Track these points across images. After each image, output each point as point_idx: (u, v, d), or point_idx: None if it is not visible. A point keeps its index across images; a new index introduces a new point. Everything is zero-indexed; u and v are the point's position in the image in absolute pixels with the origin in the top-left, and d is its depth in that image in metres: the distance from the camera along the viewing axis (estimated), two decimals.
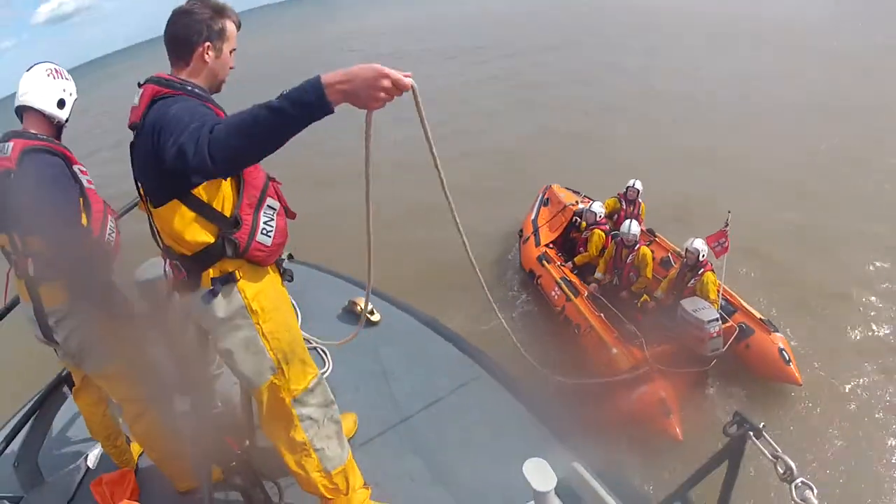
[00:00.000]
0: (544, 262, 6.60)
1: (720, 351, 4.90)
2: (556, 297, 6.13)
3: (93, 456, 2.51)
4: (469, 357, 2.78)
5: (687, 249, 5.39)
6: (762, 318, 5.34)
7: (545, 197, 7.77)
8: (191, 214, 1.52)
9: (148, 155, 1.42)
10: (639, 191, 6.72)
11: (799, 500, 1.12)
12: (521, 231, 7.57)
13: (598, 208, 6.58)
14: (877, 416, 4.88)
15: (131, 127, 1.52)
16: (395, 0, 61.72)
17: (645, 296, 5.81)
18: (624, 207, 6.82)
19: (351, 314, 3.22)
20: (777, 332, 5.19)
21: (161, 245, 1.66)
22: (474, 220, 7.31)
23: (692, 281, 5.39)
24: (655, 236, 6.65)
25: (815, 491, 1.12)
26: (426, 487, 2.16)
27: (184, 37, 1.52)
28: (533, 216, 7.55)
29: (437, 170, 1.64)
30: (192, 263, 1.60)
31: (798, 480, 1.13)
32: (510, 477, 1.61)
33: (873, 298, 6.22)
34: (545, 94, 16.02)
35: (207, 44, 1.53)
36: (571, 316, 5.78)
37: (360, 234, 1.80)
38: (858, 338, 5.74)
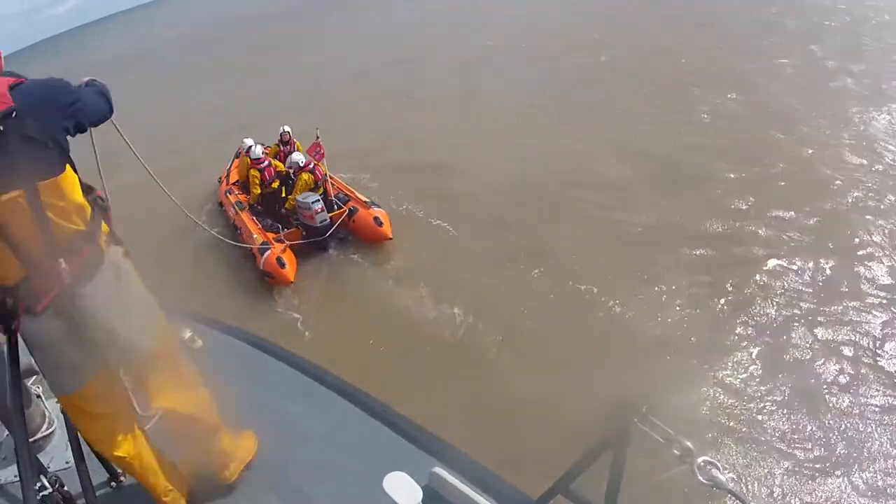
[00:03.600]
0: (227, 194, 8.46)
1: (327, 222, 7.15)
2: (231, 213, 8.03)
3: None
4: (304, 373, 2.66)
5: (289, 163, 7.69)
6: (366, 200, 7.70)
7: (238, 151, 9.58)
8: (75, 177, 1.54)
9: (40, 131, 1.44)
10: (289, 132, 8.86)
11: (705, 481, 1.01)
12: (220, 178, 9.35)
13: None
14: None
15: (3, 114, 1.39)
16: None
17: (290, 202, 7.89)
18: (282, 149, 8.89)
19: None
20: (377, 207, 7.56)
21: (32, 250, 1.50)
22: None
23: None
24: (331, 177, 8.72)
25: (721, 467, 1.02)
26: None
27: None
28: (228, 166, 9.36)
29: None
30: (85, 236, 1.56)
31: (699, 460, 1.02)
32: (375, 496, 1.52)
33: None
34: None
35: None
36: (237, 223, 7.75)
37: None
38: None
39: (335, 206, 7.61)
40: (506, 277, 6.58)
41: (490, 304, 6.16)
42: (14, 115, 1.39)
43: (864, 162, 8.26)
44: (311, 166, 7.81)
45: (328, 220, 7.18)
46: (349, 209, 7.56)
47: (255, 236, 7.14)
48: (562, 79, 13.75)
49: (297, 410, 2.45)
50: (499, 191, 8.46)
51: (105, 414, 1.78)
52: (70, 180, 1.52)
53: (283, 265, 6.66)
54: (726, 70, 12.51)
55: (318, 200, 7.10)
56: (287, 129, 8.90)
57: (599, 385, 4.82)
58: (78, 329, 1.60)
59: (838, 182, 7.78)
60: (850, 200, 7.35)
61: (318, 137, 7.60)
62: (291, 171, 7.96)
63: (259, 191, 8.04)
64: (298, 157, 7.95)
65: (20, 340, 1.60)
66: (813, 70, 11.96)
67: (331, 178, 8.08)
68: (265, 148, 8.77)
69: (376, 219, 7.35)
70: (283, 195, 8.06)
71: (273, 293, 6.82)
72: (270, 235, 7.14)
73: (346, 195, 7.86)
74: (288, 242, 7.08)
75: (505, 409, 4.73)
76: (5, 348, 1.60)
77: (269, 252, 6.77)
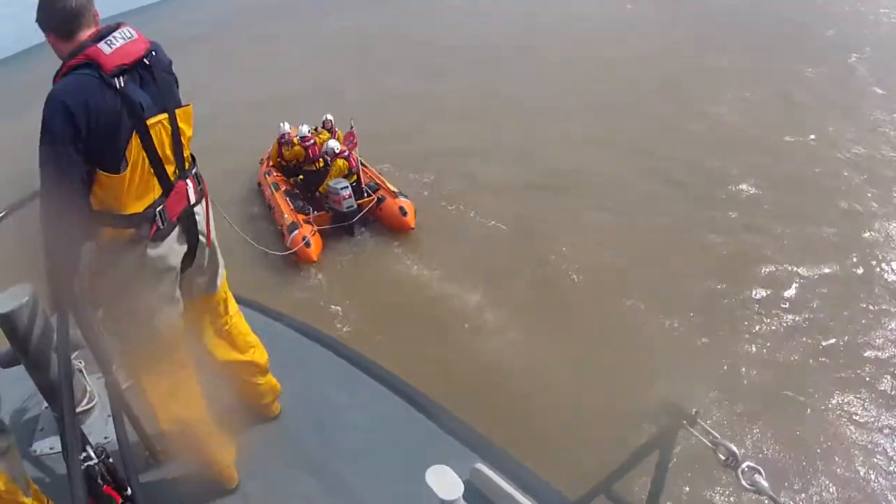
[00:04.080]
0: (266, 175, 8.92)
1: (354, 208, 7.48)
2: (268, 194, 8.49)
3: None
4: (349, 362, 2.68)
5: (325, 149, 7.99)
6: (394, 190, 7.98)
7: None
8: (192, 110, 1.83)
9: (171, 67, 1.78)
10: (331, 121, 9.24)
11: (748, 486, 1.01)
12: (261, 160, 9.85)
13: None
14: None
15: (144, 56, 1.64)
16: None
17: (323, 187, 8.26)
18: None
19: None
20: (404, 197, 7.84)
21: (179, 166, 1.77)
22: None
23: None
24: (365, 166, 9.08)
25: (764, 473, 1.03)
26: None
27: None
28: (270, 151, 9.86)
29: None
30: (194, 162, 1.87)
31: (744, 465, 1.02)
32: (413, 488, 1.55)
33: None
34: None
35: None
36: (272, 203, 8.17)
37: None
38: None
39: (365, 194, 7.91)
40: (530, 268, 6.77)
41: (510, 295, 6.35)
42: (153, 52, 1.69)
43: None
44: (346, 154, 8.18)
45: (354, 206, 7.51)
46: (378, 197, 7.86)
47: (285, 216, 7.54)
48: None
49: (340, 399, 2.47)
50: (521, 183, 8.64)
51: (175, 362, 1.93)
52: (190, 112, 1.81)
53: (308, 245, 7.02)
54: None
55: (347, 187, 7.44)
56: (329, 116, 9.28)
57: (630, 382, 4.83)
58: (192, 252, 1.87)
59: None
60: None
61: (352, 126, 7.94)
62: (328, 157, 8.34)
63: (294, 160, 8.54)
64: (334, 143, 8.31)
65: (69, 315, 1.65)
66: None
67: (365, 167, 8.42)
68: (313, 132, 9.25)
69: (401, 209, 7.62)
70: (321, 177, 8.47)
71: (300, 272, 7.21)
72: (301, 217, 7.52)
73: (378, 184, 8.16)
74: (316, 225, 7.45)
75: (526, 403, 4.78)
76: (54, 321, 1.60)
77: (297, 231, 7.15)
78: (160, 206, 1.72)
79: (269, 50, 25.14)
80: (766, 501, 1.03)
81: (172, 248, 1.79)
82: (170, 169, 1.74)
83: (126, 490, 1.47)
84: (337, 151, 8.15)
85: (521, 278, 6.64)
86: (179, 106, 1.76)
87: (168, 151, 1.72)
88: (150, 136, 1.65)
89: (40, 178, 1.57)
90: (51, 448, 2.27)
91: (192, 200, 1.82)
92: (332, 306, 6.68)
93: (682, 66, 13.45)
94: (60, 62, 1.61)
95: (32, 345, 1.75)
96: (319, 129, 9.45)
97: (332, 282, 7.18)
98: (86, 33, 1.60)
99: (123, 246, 1.70)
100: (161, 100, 1.68)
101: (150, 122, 1.64)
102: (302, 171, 8.93)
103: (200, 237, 1.88)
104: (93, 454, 1.45)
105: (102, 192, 1.62)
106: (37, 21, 1.63)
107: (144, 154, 1.64)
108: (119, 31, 1.62)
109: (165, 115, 1.69)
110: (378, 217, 7.84)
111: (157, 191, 1.72)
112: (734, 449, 1.06)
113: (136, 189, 1.66)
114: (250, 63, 22.39)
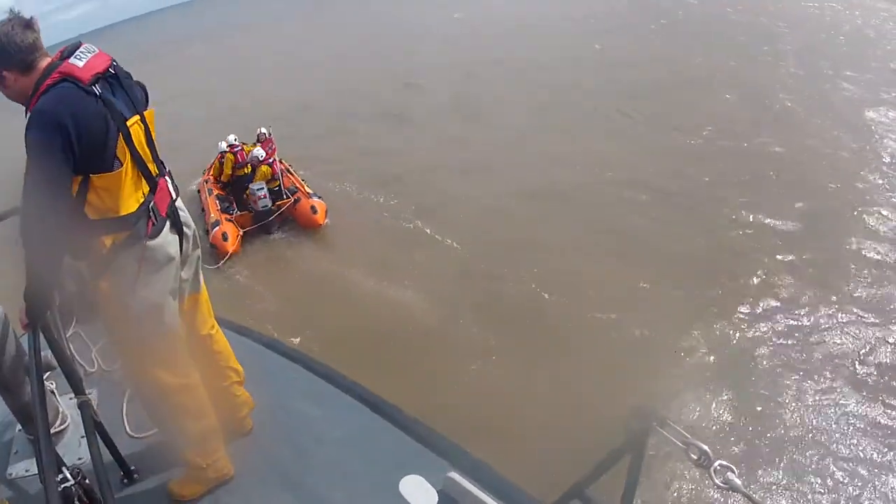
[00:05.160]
0: (205, 182, 10.15)
1: (268, 208, 8.67)
2: (203, 197, 9.71)
3: None
4: (319, 375, 2.72)
5: (251, 157, 9.18)
6: (310, 192, 9.16)
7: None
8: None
9: (133, 82, 1.86)
10: (266, 133, 10.43)
11: (721, 484, 1.04)
12: (204, 170, 11.06)
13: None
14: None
15: (110, 66, 1.74)
16: None
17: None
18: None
19: None
20: (318, 198, 9.00)
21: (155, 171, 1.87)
22: None
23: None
24: (290, 172, 10.16)
25: (737, 471, 1.05)
26: None
27: None
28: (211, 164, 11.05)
29: None
30: (164, 162, 1.94)
31: (716, 464, 1.05)
32: (388, 499, 1.60)
33: None
34: None
35: None
36: (204, 205, 9.36)
37: None
38: None
39: (284, 196, 9.08)
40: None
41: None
42: (115, 62, 1.78)
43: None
44: (269, 160, 9.35)
45: (269, 205, 8.75)
46: (294, 199, 9.02)
47: (211, 215, 8.71)
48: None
49: (312, 413, 2.49)
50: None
51: (184, 361, 2.01)
52: (153, 115, 1.90)
53: (226, 239, 8.18)
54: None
55: (263, 188, 8.68)
56: (264, 130, 10.45)
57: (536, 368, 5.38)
58: (183, 246, 1.95)
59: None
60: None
61: (269, 134, 9.23)
62: (254, 164, 9.49)
63: (229, 171, 9.67)
64: (259, 151, 9.44)
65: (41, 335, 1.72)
66: None
67: (290, 173, 9.61)
68: (241, 143, 10.39)
69: (312, 207, 8.79)
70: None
71: (229, 267, 8.25)
72: (223, 216, 8.69)
73: (297, 187, 9.34)
74: (237, 223, 8.70)
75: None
76: (24, 342, 1.55)
77: (217, 228, 8.32)
78: (151, 203, 1.81)
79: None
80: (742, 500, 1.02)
81: (167, 239, 1.86)
82: (151, 167, 1.83)
83: None
84: (261, 158, 9.33)
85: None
86: (145, 109, 1.86)
87: (146, 150, 1.82)
88: (131, 136, 1.75)
89: (25, 193, 1.59)
90: (26, 471, 2.26)
91: (174, 196, 1.94)
92: (252, 291, 7.79)
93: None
94: (19, 97, 1.68)
95: (4, 367, 1.74)
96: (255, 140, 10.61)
97: (252, 272, 8.31)
98: (45, 61, 1.68)
99: (124, 248, 1.75)
100: (131, 103, 1.79)
101: (128, 122, 1.74)
102: (232, 176, 10.10)
103: (185, 229, 1.97)
104: (69, 475, 1.43)
105: (99, 197, 1.68)
106: None
107: (129, 153, 1.73)
108: (82, 47, 1.71)
109: (138, 117, 1.80)
110: (294, 216, 9.01)
111: (145, 188, 1.81)
112: (706, 448, 1.07)
113: (130, 184, 1.74)
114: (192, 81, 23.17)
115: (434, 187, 9.91)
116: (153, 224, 1.80)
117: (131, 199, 1.74)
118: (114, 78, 1.75)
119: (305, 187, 9.36)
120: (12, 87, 1.68)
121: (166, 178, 1.93)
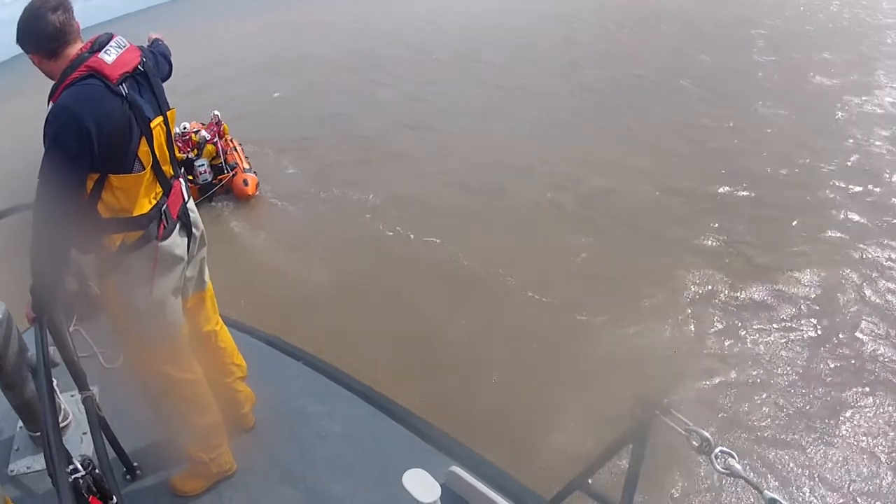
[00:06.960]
0: None
1: (208, 181, 10.21)
2: None
3: None
4: (320, 372, 2.75)
5: (199, 137, 10.71)
6: (247, 167, 10.65)
7: None
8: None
9: (159, 72, 1.86)
10: (217, 115, 11.92)
11: (722, 470, 1.05)
12: None
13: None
14: None
15: (139, 64, 1.71)
16: None
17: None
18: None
19: None
20: (252, 173, 10.50)
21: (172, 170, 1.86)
22: None
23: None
24: (237, 150, 11.42)
25: (737, 457, 1.07)
26: None
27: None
28: None
29: None
30: (179, 163, 1.92)
31: (717, 450, 1.06)
32: (390, 493, 1.60)
33: None
34: None
35: None
36: None
37: None
38: None
39: (225, 171, 10.57)
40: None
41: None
42: (145, 59, 1.75)
43: None
44: (214, 139, 10.94)
45: (210, 179, 10.24)
46: (233, 174, 10.54)
47: None
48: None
49: (313, 409, 2.51)
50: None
51: (189, 359, 2.03)
52: (174, 114, 1.87)
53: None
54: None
55: (204, 164, 10.18)
56: (216, 112, 11.97)
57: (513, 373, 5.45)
58: (190, 247, 1.94)
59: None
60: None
61: (215, 116, 10.88)
62: (201, 144, 10.92)
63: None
64: (205, 133, 10.88)
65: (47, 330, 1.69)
66: None
67: (235, 150, 11.14)
68: (197, 124, 11.74)
69: (245, 181, 10.21)
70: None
71: None
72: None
73: (237, 163, 10.82)
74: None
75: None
76: (33, 337, 1.59)
77: None
78: (164, 206, 1.78)
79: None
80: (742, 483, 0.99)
81: (176, 241, 1.85)
82: (167, 169, 1.80)
83: (111, 499, 1.46)
84: (208, 138, 10.88)
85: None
86: (169, 109, 1.82)
87: (165, 152, 1.79)
88: (153, 138, 1.71)
89: (40, 189, 1.55)
90: (28, 468, 2.25)
91: (186, 198, 1.91)
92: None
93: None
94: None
95: (6, 364, 1.74)
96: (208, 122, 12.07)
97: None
98: (74, 48, 1.62)
99: (134, 247, 1.74)
100: (157, 104, 1.76)
101: (152, 124, 1.71)
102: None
103: (195, 231, 1.95)
104: (79, 465, 1.41)
105: (114, 196, 1.66)
106: (18, 43, 1.61)
107: (151, 155, 1.71)
108: (114, 40, 1.66)
109: (161, 118, 1.76)
110: (232, 188, 10.55)
111: (159, 190, 1.78)
112: (707, 435, 1.09)
113: (147, 188, 1.72)
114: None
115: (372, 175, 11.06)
116: (164, 227, 1.79)
117: (145, 200, 1.73)
118: (142, 76, 1.73)
119: (244, 163, 10.87)
120: (40, 68, 1.67)
121: (181, 179, 1.92)
